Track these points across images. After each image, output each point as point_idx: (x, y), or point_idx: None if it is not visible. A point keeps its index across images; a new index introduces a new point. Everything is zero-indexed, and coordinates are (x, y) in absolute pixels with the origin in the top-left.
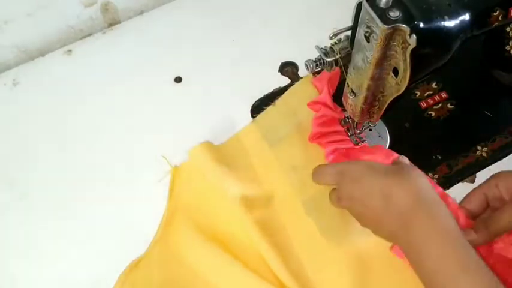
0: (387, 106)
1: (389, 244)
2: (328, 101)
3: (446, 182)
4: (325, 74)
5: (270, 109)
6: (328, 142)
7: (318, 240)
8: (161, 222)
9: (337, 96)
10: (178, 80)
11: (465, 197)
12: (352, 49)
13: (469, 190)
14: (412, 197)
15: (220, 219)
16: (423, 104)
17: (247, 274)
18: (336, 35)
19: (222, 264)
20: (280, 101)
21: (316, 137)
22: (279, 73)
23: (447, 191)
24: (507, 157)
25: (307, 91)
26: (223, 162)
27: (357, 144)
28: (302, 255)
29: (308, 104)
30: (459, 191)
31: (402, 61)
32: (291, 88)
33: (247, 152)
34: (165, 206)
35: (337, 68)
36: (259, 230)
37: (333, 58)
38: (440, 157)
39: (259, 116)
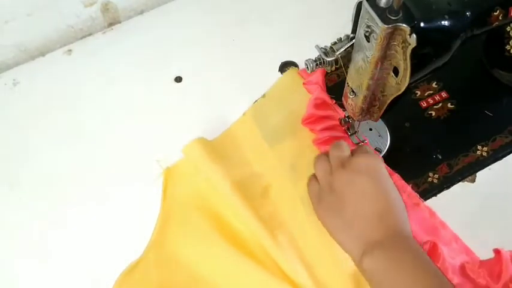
0: (387, 106)
1: None
2: (321, 82)
3: (446, 182)
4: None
5: (260, 101)
6: (322, 129)
7: (313, 227)
8: (156, 224)
9: (337, 96)
10: (178, 79)
11: None
12: (352, 49)
13: (469, 190)
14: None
15: (217, 214)
16: (423, 104)
17: (246, 272)
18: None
19: (220, 264)
20: (269, 92)
21: (310, 120)
22: (279, 73)
23: (447, 191)
24: (507, 157)
25: (295, 81)
26: (218, 156)
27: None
28: (301, 243)
29: (304, 83)
30: (459, 190)
31: (402, 61)
32: (279, 79)
33: (241, 144)
34: (159, 208)
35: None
36: (257, 221)
37: (333, 58)
38: (440, 157)
39: (250, 109)
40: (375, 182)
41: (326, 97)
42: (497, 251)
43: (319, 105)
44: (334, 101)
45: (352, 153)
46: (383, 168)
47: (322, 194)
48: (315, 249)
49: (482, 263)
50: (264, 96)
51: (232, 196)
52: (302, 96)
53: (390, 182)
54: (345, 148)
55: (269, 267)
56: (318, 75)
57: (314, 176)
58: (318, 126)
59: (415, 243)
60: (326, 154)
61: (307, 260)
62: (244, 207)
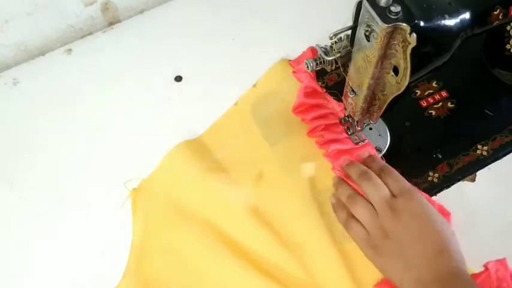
0: (387, 105)
1: None
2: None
3: (446, 181)
4: (305, 54)
5: (251, 90)
6: (312, 119)
7: (305, 214)
8: (130, 252)
9: (338, 96)
10: (178, 79)
11: None
12: (352, 48)
13: (470, 189)
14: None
15: (201, 226)
16: (423, 103)
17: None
18: (336, 35)
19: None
20: (260, 82)
21: (301, 110)
22: None
23: (447, 190)
24: (507, 156)
25: (285, 70)
26: (206, 152)
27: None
28: (296, 234)
29: (293, 72)
30: (459, 190)
31: (402, 60)
32: (269, 69)
33: (233, 133)
34: (132, 234)
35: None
36: (252, 216)
37: (333, 57)
38: (440, 156)
39: (241, 98)
40: (428, 222)
41: (316, 85)
42: (485, 267)
43: (309, 93)
44: (325, 90)
45: (387, 185)
46: (427, 202)
47: (375, 240)
48: (307, 237)
49: (473, 276)
50: (255, 85)
51: (222, 191)
52: (292, 84)
53: (439, 216)
54: (380, 183)
55: (265, 275)
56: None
57: (355, 219)
58: (308, 115)
59: (470, 279)
60: (355, 191)
61: (298, 245)
62: (236, 203)
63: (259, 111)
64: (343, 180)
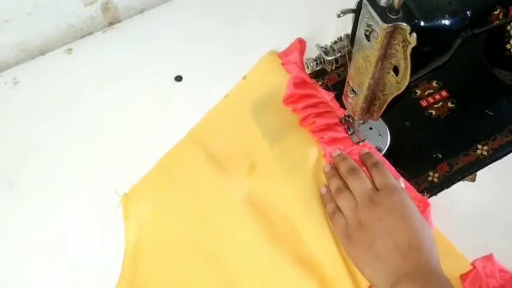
0: (387, 105)
1: None
2: (300, 61)
3: (446, 181)
4: (293, 46)
5: (241, 83)
6: (303, 108)
7: (300, 203)
8: (124, 258)
9: (338, 95)
10: (178, 78)
11: None
12: (352, 48)
13: (470, 189)
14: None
15: (194, 227)
16: (423, 103)
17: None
18: (343, 13)
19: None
20: (250, 74)
21: (291, 100)
22: None
23: (447, 190)
24: (507, 156)
25: (274, 62)
26: (199, 149)
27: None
28: (288, 222)
29: (282, 64)
30: (460, 189)
31: (403, 60)
32: (259, 61)
33: (225, 125)
34: (124, 241)
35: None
36: (246, 210)
37: (333, 57)
38: (440, 156)
39: (231, 91)
40: (404, 217)
41: (305, 76)
42: (473, 265)
43: (298, 84)
44: (315, 81)
45: (374, 180)
46: (409, 200)
47: (350, 230)
48: (302, 225)
49: (462, 277)
50: (244, 77)
51: (216, 186)
52: (282, 75)
53: (418, 215)
54: (365, 177)
55: (261, 273)
56: (295, 55)
57: (339, 210)
58: (299, 104)
59: (442, 274)
60: (345, 184)
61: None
62: (230, 197)
63: (250, 102)
64: (334, 170)
